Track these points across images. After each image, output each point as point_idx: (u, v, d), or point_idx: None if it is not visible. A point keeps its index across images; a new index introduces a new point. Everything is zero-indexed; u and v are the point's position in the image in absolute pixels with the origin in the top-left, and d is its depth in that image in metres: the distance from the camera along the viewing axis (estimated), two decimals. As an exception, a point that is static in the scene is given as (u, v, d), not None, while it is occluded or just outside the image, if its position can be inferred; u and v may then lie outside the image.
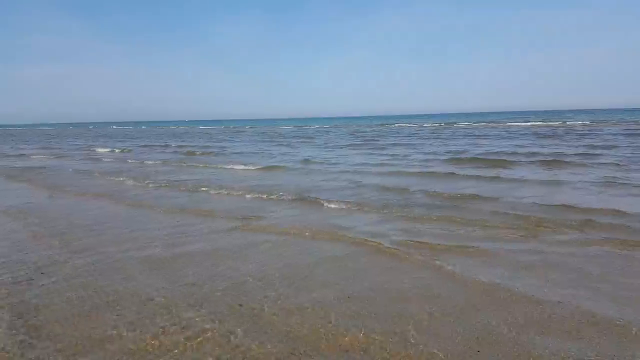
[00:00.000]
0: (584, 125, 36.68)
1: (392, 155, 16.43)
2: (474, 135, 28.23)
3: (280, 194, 8.32)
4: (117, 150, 22.50)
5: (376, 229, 5.71)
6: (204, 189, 9.26)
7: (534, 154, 14.61)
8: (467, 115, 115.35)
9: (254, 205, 7.53)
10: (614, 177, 9.24)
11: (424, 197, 7.71)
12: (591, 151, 14.90)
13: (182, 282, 3.95)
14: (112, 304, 3.51)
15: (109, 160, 17.49)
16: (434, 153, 16.45)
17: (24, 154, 21.35)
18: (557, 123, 41.83)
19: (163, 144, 27.88)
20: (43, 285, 3.91)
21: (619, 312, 3.23)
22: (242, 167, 13.38)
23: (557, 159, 12.77)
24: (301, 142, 27.14)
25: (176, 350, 2.80)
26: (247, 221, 6.29)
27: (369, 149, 19.97)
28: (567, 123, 40.91)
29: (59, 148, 26.21)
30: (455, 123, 54.97)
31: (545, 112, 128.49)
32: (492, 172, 10.63)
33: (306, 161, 14.88)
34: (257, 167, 13.13)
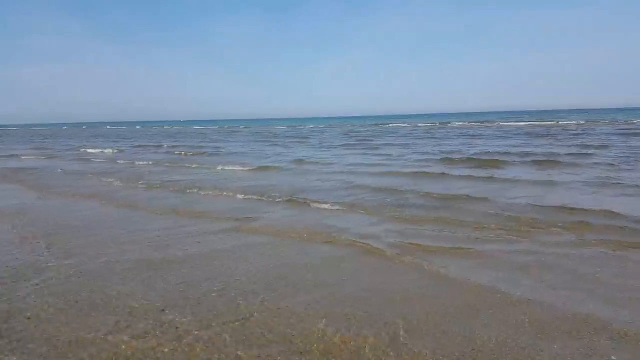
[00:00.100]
0: (578, 124, 36.89)
1: (385, 155, 16.39)
2: (468, 135, 28.29)
3: (273, 194, 8.25)
4: (109, 151, 22.28)
5: (369, 231, 5.66)
6: (195, 189, 9.15)
7: (527, 153, 14.63)
8: (462, 115, 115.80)
9: (246, 206, 7.45)
10: (607, 177, 9.26)
11: (417, 198, 7.66)
12: (584, 151, 14.95)
13: (169, 285, 3.87)
14: (95, 308, 3.42)
15: (100, 160, 17.30)
16: (428, 153, 16.43)
17: (15, 154, 21.09)
18: (551, 122, 42.06)
19: (156, 144, 27.67)
20: (24, 289, 3.80)
21: (615, 314, 3.20)
22: (235, 167, 13.28)
23: (550, 158, 12.79)
24: (295, 142, 27.05)
25: (159, 355, 2.73)
26: (239, 222, 6.21)
27: (363, 149, 19.93)
28: (561, 123, 41.13)
29: (51, 148, 25.91)
30: (449, 123, 55.13)
31: (541, 112, 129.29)
32: (485, 172, 10.62)
33: (300, 161, 14.80)
34: (250, 168, 13.04)
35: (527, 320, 3.15)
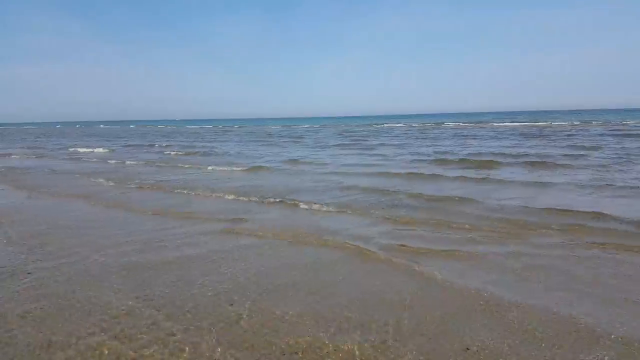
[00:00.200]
0: (572, 125, 37.06)
1: (380, 155, 16.35)
2: (462, 135, 28.32)
3: (265, 195, 8.17)
4: (100, 150, 22.06)
5: (362, 232, 5.59)
6: (186, 190, 9.05)
7: (521, 155, 14.63)
8: (462, 116, 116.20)
9: (237, 207, 7.36)
10: (599, 179, 9.26)
11: (410, 199, 7.61)
12: (578, 152, 14.99)
13: (155, 288, 3.78)
14: (78, 310, 3.32)
15: (90, 160, 17.12)
16: (422, 154, 16.41)
17: (6, 154, 20.84)
18: (544, 123, 42.22)
19: (148, 143, 27.47)
20: (5, 289, 3.70)
21: (608, 318, 3.15)
22: (227, 167, 13.17)
23: (543, 160, 12.79)
24: (290, 142, 26.96)
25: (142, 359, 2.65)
26: (229, 224, 6.12)
27: (358, 149, 19.87)
28: (555, 124, 41.30)
29: (43, 148, 25.68)
30: (443, 123, 55.26)
31: (538, 112, 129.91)
32: (478, 174, 10.59)
33: (293, 161, 14.73)
34: (242, 168, 12.93)
35: (518, 324, 3.09)
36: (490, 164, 12.35)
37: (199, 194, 8.64)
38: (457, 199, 7.46)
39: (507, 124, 45.27)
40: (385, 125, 56.21)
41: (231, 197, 8.23)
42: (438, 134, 30.77)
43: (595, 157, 13.31)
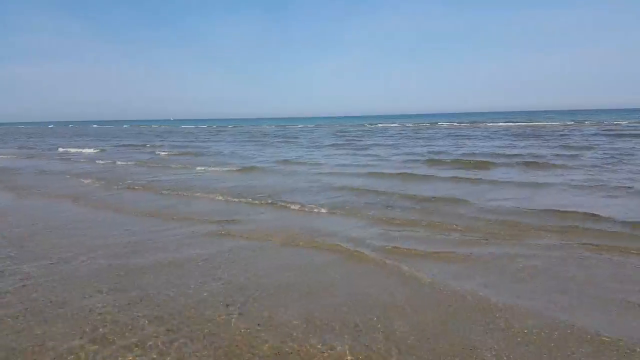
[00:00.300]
0: (565, 125, 37.23)
1: (373, 155, 16.28)
2: (456, 135, 28.33)
3: (258, 196, 8.07)
4: (90, 151, 21.81)
5: (354, 234, 5.51)
6: (177, 191, 8.92)
7: (514, 155, 14.61)
8: (463, 115, 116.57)
9: (229, 208, 7.25)
10: (591, 179, 9.24)
11: (404, 200, 7.54)
12: (571, 152, 15.00)
13: (141, 292, 3.67)
14: (59, 314, 3.21)
15: (80, 160, 16.89)
16: (416, 154, 16.36)
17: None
18: (539, 123, 42.39)
19: (141, 143, 27.23)
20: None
21: (601, 322, 3.08)
22: (219, 168, 13.04)
23: (536, 160, 12.78)
24: (284, 142, 26.84)
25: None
26: (221, 226, 6.03)
27: (351, 149, 19.79)
28: (550, 123, 41.48)
29: (34, 148, 25.39)
30: (437, 123, 55.38)
31: (537, 112, 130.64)
32: (472, 174, 10.55)
33: (286, 162, 14.62)
34: (235, 169, 12.80)
35: (513, 327, 3.02)
36: (484, 165, 12.32)
37: (190, 195, 8.52)
38: (450, 199, 7.41)
39: (501, 124, 45.41)
40: (380, 125, 56.17)
41: (223, 198, 8.12)
42: (432, 134, 30.76)
43: (589, 157, 13.33)
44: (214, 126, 73.59)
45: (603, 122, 40.28)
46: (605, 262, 4.38)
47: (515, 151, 15.99)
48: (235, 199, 7.94)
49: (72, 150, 22.46)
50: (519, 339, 2.90)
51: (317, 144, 24.08)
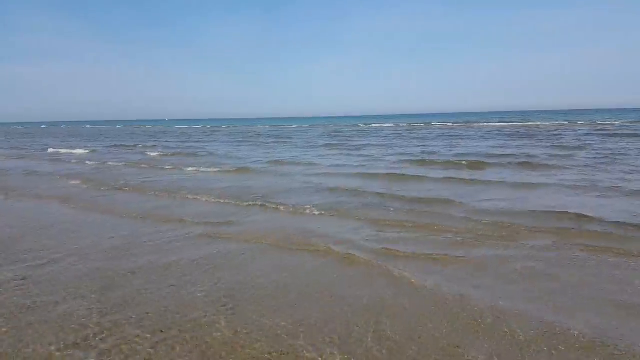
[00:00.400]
0: (559, 125, 37.38)
1: (367, 156, 16.21)
2: (450, 135, 28.35)
3: (250, 198, 7.98)
4: (81, 151, 21.58)
5: (347, 236, 5.44)
6: (167, 192, 8.81)
7: (507, 155, 14.60)
8: (463, 115, 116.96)
9: (221, 210, 7.16)
10: (586, 179, 9.23)
11: (396, 201, 7.48)
12: (564, 152, 15.02)
13: (127, 296, 3.57)
14: (35, 319, 3.11)
15: (71, 161, 16.69)
16: (409, 154, 16.31)
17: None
18: (534, 123, 42.56)
19: (133, 144, 26.99)
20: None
21: (602, 326, 3.03)
22: (211, 169, 12.92)
23: (529, 160, 12.77)
24: (278, 142, 26.72)
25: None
26: (212, 228, 5.93)
27: (345, 149, 19.72)
28: (544, 123, 41.65)
29: (25, 148, 25.10)
30: (431, 123, 55.50)
31: (535, 112, 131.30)
32: (465, 174, 10.52)
33: (280, 162, 14.51)
34: (227, 169, 12.69)
35: (504, 330, 2.97)
36: (477, 165, 12.29)
37: (181, 197, 8.41)
38: (443, 200, 7.35)
39: (494, 124, 45.55)
40: (373, 125, 56.16)
41: (215, 199, 8.01)
42: (426, 134, 30.75)
43: (582, 157, 13.35)
44: (208, 126, 73.26)
45: (595, 122, 40.49)
46: (600, 264, 4.34)
47: (510, 151, 15.99)
48: (228, 201, 7.85)
49: (63, 150, 22.21)
50: (511, 343, 2.84)
51: (311, 144, 23.98)
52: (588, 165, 11.43)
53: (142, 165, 14.41)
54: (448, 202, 7.24)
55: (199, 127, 72.46)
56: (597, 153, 14.37)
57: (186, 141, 29.54)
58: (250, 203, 7.56)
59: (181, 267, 4.37)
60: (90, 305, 3.44)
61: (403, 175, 10.58)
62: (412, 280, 3.95)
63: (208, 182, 10.26)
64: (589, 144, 17.80)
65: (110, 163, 15.33)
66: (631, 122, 38.16)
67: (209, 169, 12.88)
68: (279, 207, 7.23)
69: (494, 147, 18.30)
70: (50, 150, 22.80)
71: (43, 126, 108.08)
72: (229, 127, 68.28)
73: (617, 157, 12.97)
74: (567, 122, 41.98)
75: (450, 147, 18.74)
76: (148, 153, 19.76)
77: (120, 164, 15.14)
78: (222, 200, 7.89)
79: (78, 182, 10.55)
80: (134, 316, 3.23)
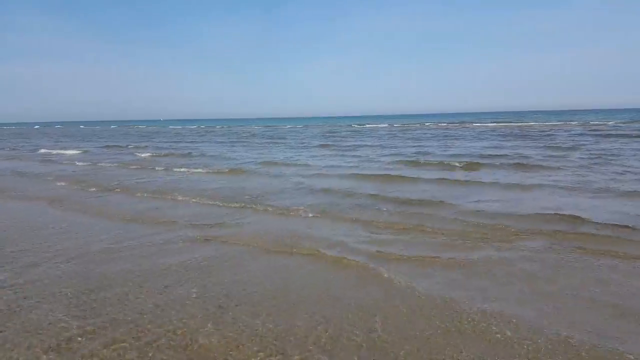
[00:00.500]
0: (553, 126, 37.52)
1: (361, 156, 16.15)
2: (444, 135, 28.37)
3: (242, 199, 7.89)
4: (73, 152, 21.36)
5: (339, 239, 5.37)
6: (158, 194, 8.70)
7: (502, 156, 14.60)
8: (463, 115, 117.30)
9: (212, 212, 7.06)
10: (580, 180, 9.22)
11: (389, 203, 7.42)
12: (558, 153, 15.03)
13: (108, 301, 3.47)
14: (11, 325, 3.00)
15: (63, 162, 16.51)
16: (403, 154, 16.27)
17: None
18: (528, 124, 42.70)
19: (126, 144, 26.78)
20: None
21: (598, 329, 2.98)
22: (204, 170, 12.81)
23: (522, 161, 12.76)
24: (271, 142, 26.62)
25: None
26: (202, 230, 5.84)
27: (339, 150, 19.65)
28: (538, 124, 41.79)
29: (17, 149, 24.83)
30: (425, 123, 55.59)
31: (536, 112, 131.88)
32: (459, 175, 10.48)
33: (273, 163, 14.41)
34: (220, 171, 12.57)
35: (496, 335, 2.91)
36: (471, 166, 12.26)
37: (172, 199, 8.30)
38: (437, 202, 7.30)
39: (488, 124, 45.68)
40: (367, 125, 56.14)
41: (206, 201, 7.92)
42: (420, 135, 30.75)
43: (576, 158, 13.37)
44: (202, 127, 72.95)
45: (589, 122, 40.69)
46: (593, 266, 4.30)
47: (504, 152, 15.98)
48: (220, 202, 7.75)
49: (54, 151, 21.98)
50: (503, 345, 2.79)
51: (304, 145, 23.89)
52: (582, 166, 11.43)
53: (134, 166, 14.23)
54: (441, 203, 7.19)
55: (193, 127, 72.16)
56: (591, 153, 14.40)
57: (182, 142, 29.33)
58: (242, 205, 7.47)
59: (171, 270, 4.28)
60: (74, 308, 3.35)
61: (397, 176, 10.52)
62: (404, 283, 3.89)
63: (200, 184, 10.15)
64: (583, 144, 17.85)
65: (101, 164, 15.16)
66: (624, 123, 38.40)
67: (201, 170, 12.77)
68: (271, 209, 7.15)
69: (488, 147, 18.31)
70: (42, 150, 22.57)
71: (36, 127, 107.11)
72: (222, 127, 68.01)
73: (610, 158, 13.00)
74: (561, 122, 42.15)
75: (445, 148, 18.73)
76: (141, 153, 19.58)
77: (112, 165, 14.97)
78: (213, 202, 7.80)
79: (68, 183, 10.40)
80: (120, 320, 3.15)
